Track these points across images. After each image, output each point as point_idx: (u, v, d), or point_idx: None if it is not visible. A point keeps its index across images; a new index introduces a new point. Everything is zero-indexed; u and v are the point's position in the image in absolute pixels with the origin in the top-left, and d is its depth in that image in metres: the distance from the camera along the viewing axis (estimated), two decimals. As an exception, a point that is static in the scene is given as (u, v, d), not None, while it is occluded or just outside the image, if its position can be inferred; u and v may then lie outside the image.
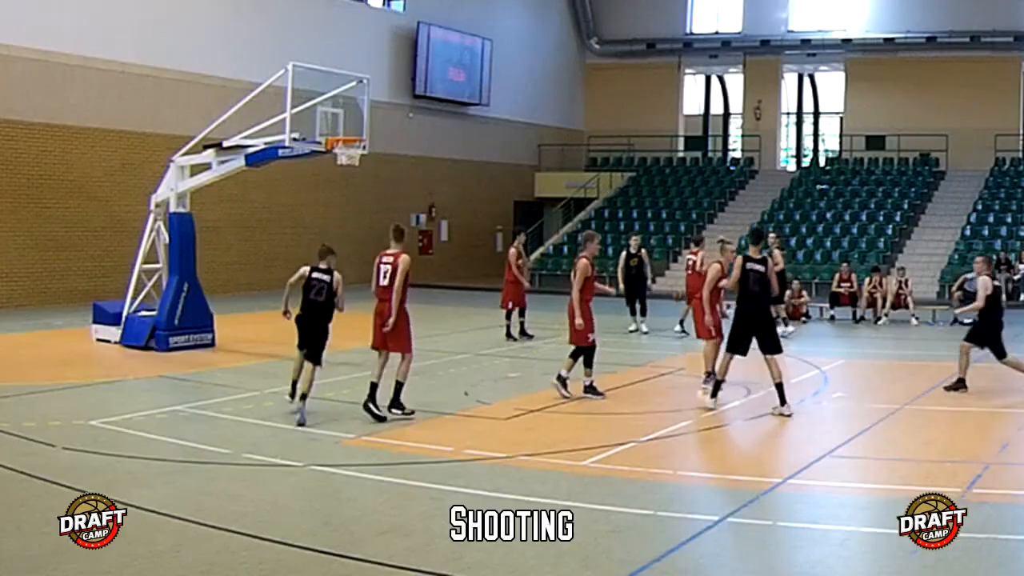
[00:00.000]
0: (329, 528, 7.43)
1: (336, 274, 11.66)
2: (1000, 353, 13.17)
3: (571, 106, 39.85)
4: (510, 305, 18.39)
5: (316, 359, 11.42)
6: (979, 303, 13.14)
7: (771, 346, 11.82)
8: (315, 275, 11.63)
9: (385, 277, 11.28)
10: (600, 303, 13.16)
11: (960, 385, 13.16)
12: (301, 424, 10.86)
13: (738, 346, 11.87)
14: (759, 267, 11.81)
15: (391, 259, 11.32)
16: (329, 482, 8.75)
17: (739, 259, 12.01)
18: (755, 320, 11.82)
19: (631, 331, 18.98)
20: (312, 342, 11.49)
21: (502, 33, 35.89)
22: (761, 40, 37.40)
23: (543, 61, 38.24)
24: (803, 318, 22.87)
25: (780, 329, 19.10)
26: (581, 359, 12.58)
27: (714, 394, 12.04)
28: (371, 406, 11.09)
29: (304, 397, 11.19)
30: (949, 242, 29.85)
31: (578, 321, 12.43)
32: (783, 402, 11.63)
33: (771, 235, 20.46)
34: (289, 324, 11.86)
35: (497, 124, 36.18)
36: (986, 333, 13.18)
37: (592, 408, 12.16)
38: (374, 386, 11.15)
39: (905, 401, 12.63)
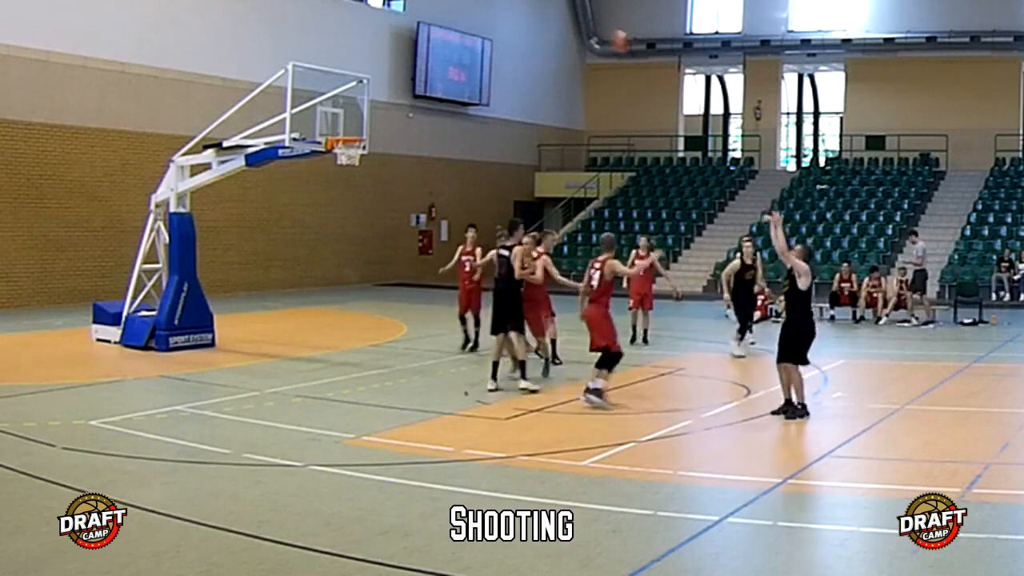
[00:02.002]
0: (329, 528, 7.43)
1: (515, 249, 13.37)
2: (798, 359, 11.41)
3: (571, 106, 39.85)
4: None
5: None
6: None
7: (514, 326, 13.09)
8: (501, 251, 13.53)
9: (595, 281, 12.34)
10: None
11: (794, 406, 11.38)
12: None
13: (498, 327, 13.18)
14: (504, 252, 13.29)
15: (599, 265, 12.34)
16: (329, 482, 8.75)
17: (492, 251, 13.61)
18: (502, 299, 13.14)
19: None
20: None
21: (502, 33, 35.89)
22: (761, 40, 37.39)
23: (543, 61, 38.24)
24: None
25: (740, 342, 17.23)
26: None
27: (523, 375, 12.96)
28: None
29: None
30: (949, 242, 29.85)
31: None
32: (523, 377, 12.88)
33: (643, 240, 18.50)
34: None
35: (497, 124, 36.18)
36: (796, 339, 11.36)
37: (592, 408, 12.16)
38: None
39: (905, 401, 12.63)
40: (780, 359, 11.48)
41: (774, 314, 23.04)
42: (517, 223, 13.64)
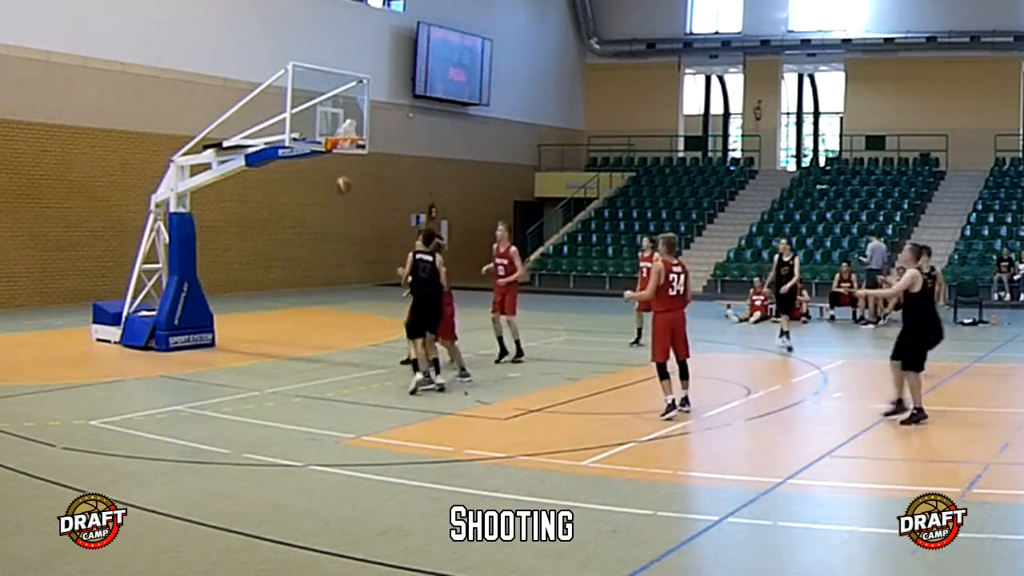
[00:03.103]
0: (329, 528, 7.43)
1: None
2: (915, 365, 11.06)
3: (571, 106, 39.85)
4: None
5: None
6: (890, 291, 11.77)
7: (432, 328, 13.17)
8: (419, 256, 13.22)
9: (680, 285, 11.50)
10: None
11: (910, 413, 11.04)
12: None
13: (419, 330, 13.04)
14: (427, 257, 13.24)
15: (680, 268, 11.62)
16: (329, 482, 8.75)
17: (411, 254, 13.39)
18: (430, 304, 13.15)
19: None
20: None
21: (502, 33, 35.89)
22: (761, 40, 37.39)
23: (543, 61, 38.25)
24: (803, 318, 22.82)
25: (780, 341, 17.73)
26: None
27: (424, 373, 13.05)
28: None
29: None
30: (949, 242, 29.84)
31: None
32: (438, 372, 13.05)
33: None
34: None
35: (497, 124, 36.18)
36: (909, 343, 11.14)
37: (592, 408, 12.18)
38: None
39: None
40: (892, 356, 11.21)
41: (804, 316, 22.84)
42: (432, 233, 13.69)
